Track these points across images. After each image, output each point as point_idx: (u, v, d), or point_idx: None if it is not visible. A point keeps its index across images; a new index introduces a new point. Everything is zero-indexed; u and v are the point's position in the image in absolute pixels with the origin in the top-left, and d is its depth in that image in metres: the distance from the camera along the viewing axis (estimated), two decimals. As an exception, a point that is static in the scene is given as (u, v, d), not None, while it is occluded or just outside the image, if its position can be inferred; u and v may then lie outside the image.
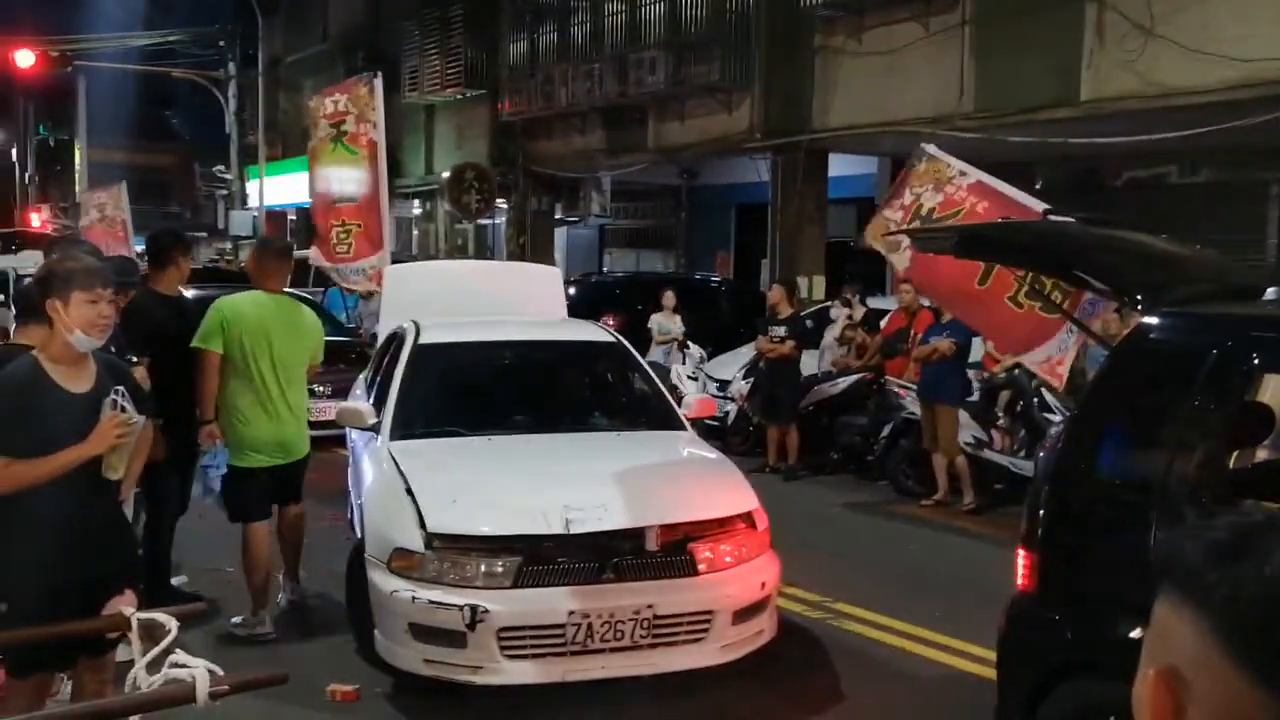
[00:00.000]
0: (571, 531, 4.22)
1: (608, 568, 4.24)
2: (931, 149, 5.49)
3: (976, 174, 5.23)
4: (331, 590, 5.27)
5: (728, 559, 4.44)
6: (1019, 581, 3.38)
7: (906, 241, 5.01)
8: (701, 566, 4.35)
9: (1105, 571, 3.13)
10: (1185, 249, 4.28)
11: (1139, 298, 3.28)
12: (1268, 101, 7.97)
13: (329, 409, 8.19)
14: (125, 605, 2.84)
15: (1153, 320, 3.20)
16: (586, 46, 14.81)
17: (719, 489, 4.81)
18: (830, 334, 10.03)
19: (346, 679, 4.46)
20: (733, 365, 10.51)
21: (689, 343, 11.08)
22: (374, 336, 10.94)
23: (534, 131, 16.66)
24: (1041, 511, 3.32)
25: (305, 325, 5.36)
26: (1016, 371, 8.52)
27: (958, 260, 4.13)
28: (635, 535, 4.31)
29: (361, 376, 7.14)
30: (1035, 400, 8.28)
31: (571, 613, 4.11)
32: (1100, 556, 3.18)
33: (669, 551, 4.34)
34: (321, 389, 9.31)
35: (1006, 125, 10.04)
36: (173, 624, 2.54)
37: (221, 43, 25.10)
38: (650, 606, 4.20)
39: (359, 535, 4.90)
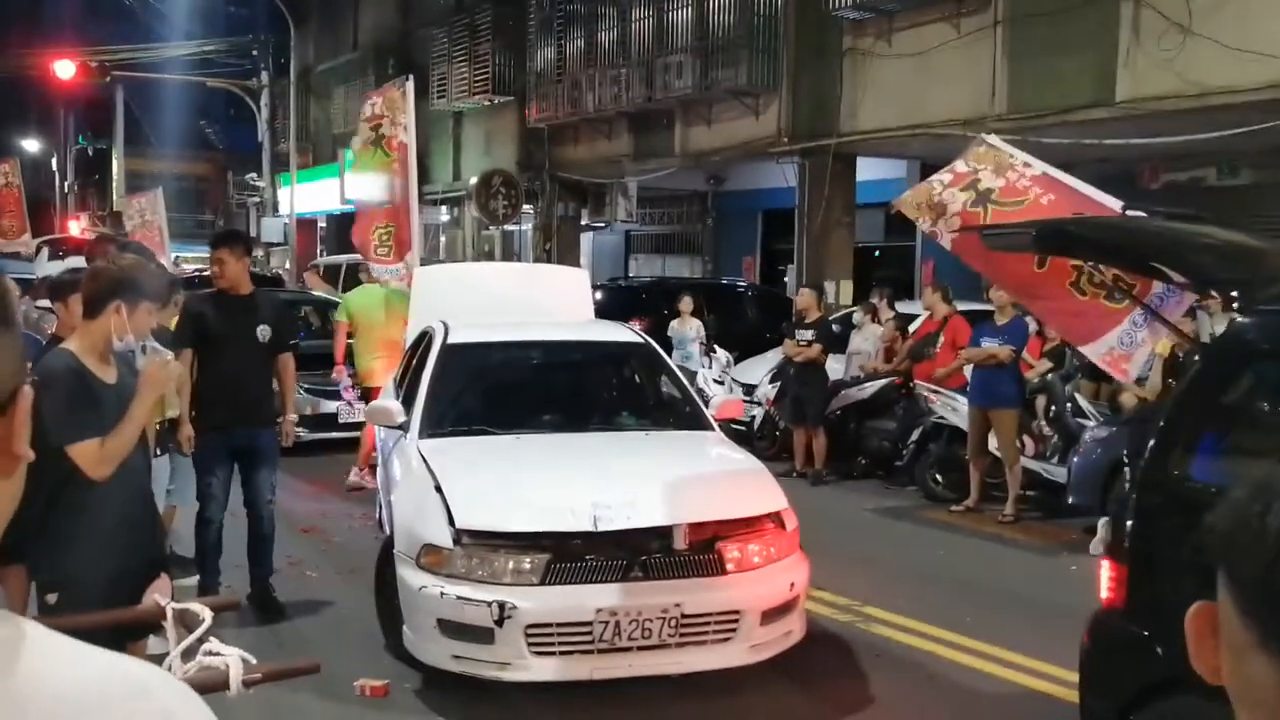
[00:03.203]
0: (600, 529, 4.21)
1: (636, 566, 4.23)
2: (992, 138, 5.21)
3: (1042, 166, 4.90)
4: (360, 586, 5.29)
5: (756, 559, 4.41)
6: (1104, 595, 3.19)
7: (956, 208, 4.67)
8: (730, 566, 4.33)
9: (1199, 584, 2.99)
10: (1273, 245, 4.05)
11: (1234, 295, 3.11)
12: (1309, 101, 7.85)
13: (359, 409, 8.30)
14: (159, 594, 2.88)
15: (1250, 319, 3.03)
16: (613, 52, 14.85)
17: (747, 488, 4.78)
18: (857, 338, 9.95)
19: (376, 674, 4.48)
20: (759, 370, 10.45)
21: (715, 347, 11.01)
22: None
23: (561, 137, 16.73)
24: (1130, 522, 3.09)
25: (390, 298, 8.38)
26: (1050, 377, 8.41)
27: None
28: (663, 533, 4.29)
29: (391, 376, 7.19)
30: (1069, 405, 8.17)
31: (599, 610, 4.10)
32: (1194, 569, 3.06)
33: (697, 550, 4.31)
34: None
35: (1040, 127, 9.92)
36: (207, 614, 2.57)
37: (255, 52, 25.44)
38: (678, 605, 4.18)
39: (388, 532, 4.93)
